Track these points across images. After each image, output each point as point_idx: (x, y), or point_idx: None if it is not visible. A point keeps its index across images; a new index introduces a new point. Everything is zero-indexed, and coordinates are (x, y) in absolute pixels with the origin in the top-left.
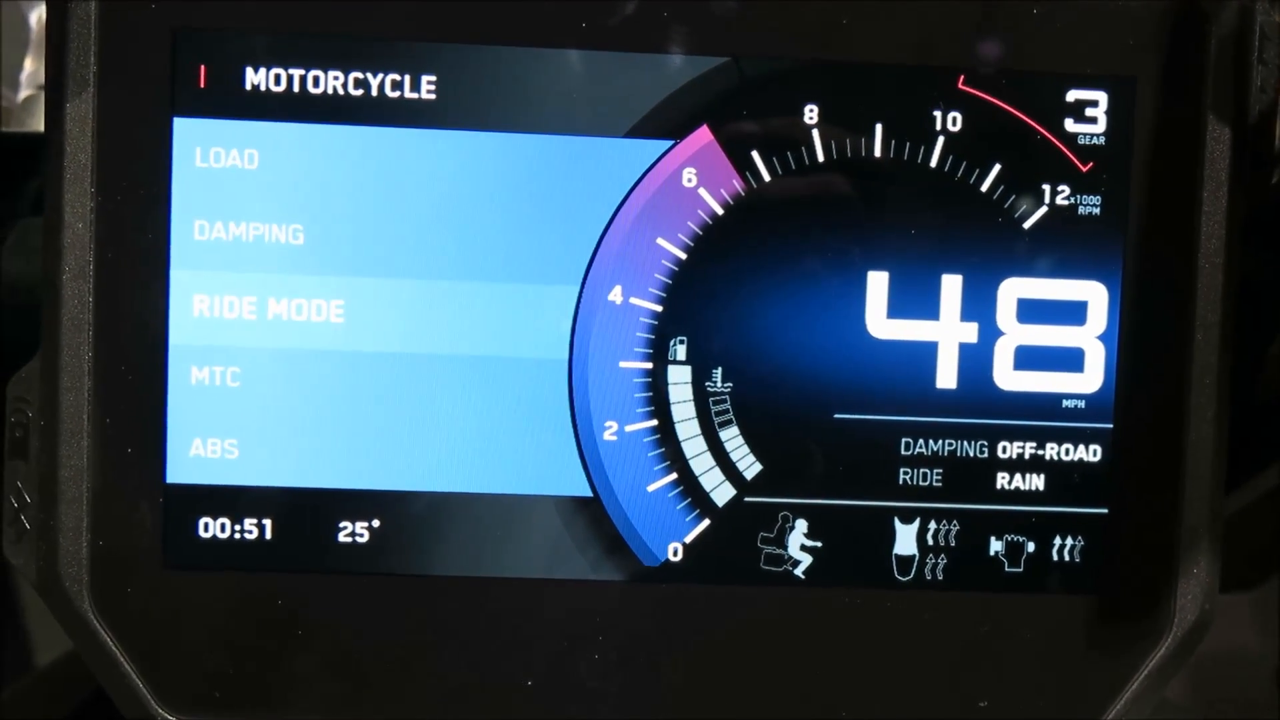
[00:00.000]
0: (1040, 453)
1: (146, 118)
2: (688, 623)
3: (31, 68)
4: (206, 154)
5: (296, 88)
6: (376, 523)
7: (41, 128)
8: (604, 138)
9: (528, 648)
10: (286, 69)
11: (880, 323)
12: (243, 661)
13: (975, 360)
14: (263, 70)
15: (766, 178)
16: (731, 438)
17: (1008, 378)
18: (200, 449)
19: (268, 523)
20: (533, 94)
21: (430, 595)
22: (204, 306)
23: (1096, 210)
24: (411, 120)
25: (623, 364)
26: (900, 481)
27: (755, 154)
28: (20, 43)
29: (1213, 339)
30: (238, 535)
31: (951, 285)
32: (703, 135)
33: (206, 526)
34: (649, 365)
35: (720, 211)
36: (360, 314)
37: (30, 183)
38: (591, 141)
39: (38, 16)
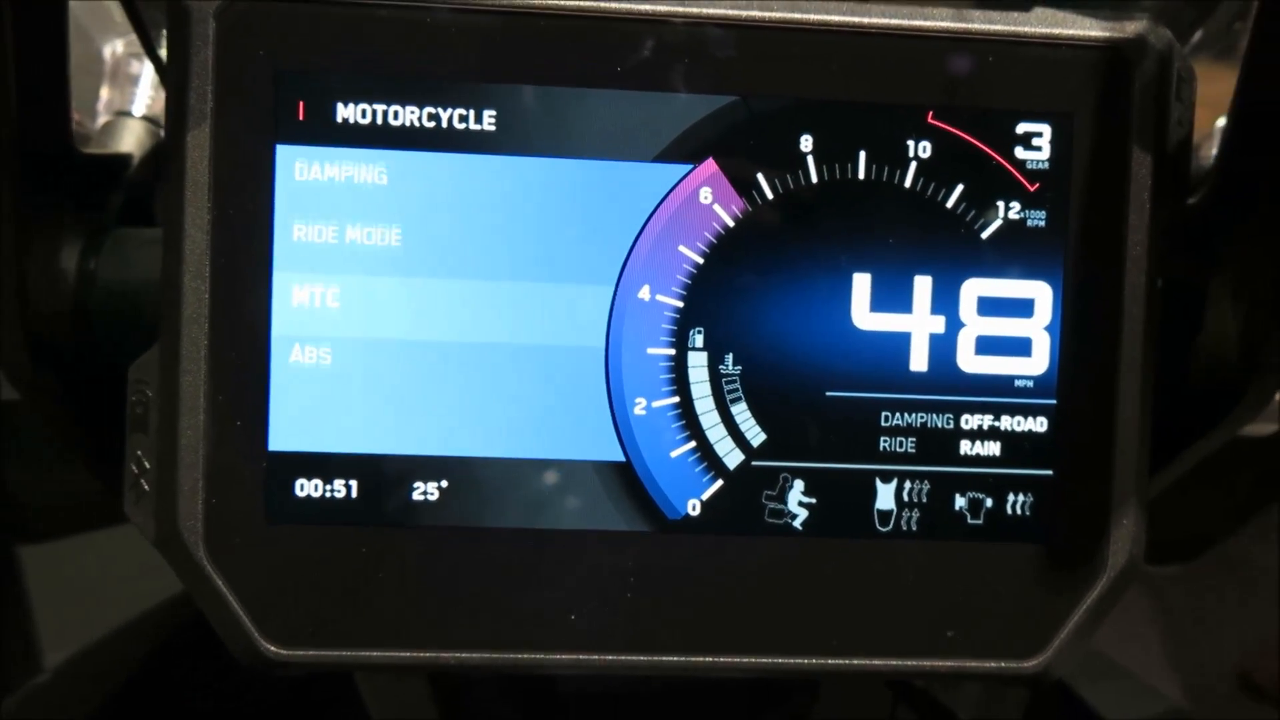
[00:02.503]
0: (996, 424)
1: (254, 145)
2: (704, 566)
3: (107, 96)
4: (304, 172)
5: (379, 120)
6: (445, 483)
7: (119, 149)
8: (634, 162)
9: (571, 588)
10: (371, 104)
11: (864, 316)
12: (333, 601)
13: (942, 347)
14: (351, 105)
15: (770, 196)
16: (740, 412)
17: (969, 362)
18: (297, 420)
19: (354, 483)
20: (575, 126)
21: (490, 544)
22: (301, 299)
23: (1042, 223)
24: (475, 148)
25: (650, 350)
26: (880, 448)
27: (760, 176)
28: (95, 74)
29: (1137, 330)
30: (328, 494)
31: (922, 285)
32: (713, 162)
33: (302, 487)
34: (672, 351)
35: (731, 224)
36: (429, 307)
37: (114, 196)
38: (624, 166)
39: (111, 51)
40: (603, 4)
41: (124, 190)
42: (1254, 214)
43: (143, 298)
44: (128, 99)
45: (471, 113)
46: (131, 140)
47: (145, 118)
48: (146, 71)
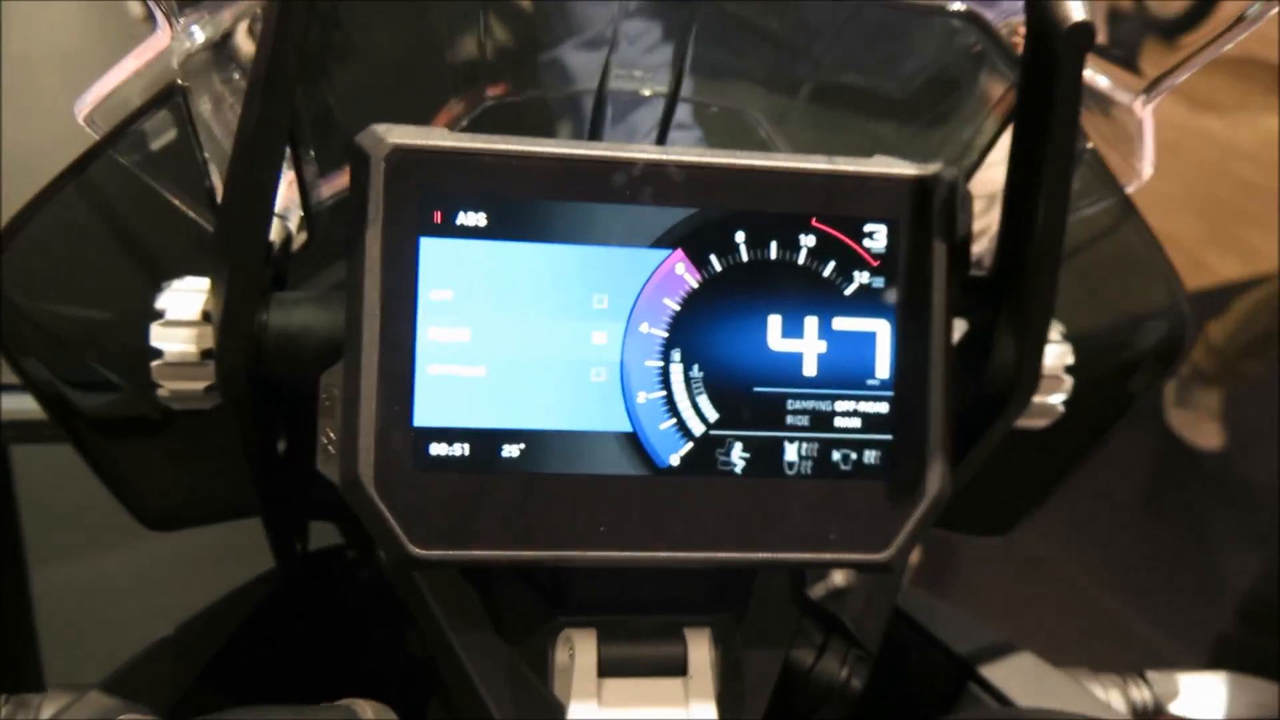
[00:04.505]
0: (857, 407)
1: (406, 238)
2: (681, 496)
3: None
4: (437, 255)
5: (484, 223)
6: (524, 445)
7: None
8: (637, 248)
9: (601, 509)
10: (478, 213)
11: (776, 341)
12: (454, 520)
13: (823, 361)
14: (467, 214)
15: (718, 269)
16: (703, 401)
17: (840, 370)
18: (431, 408)
19: (466, 446)
20: (604, 226)
21: (552, 483)
22: (434, 335)
23: (881, 285)
24: (540, 239)
25: (647, 363)
26: (787, 422)
27: (711, 257)
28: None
29: (940, 351)
30: (451, 453)
31: (810, 323)
32: (681, 250)
33: (434, 448)
34: (661, 363)
35: (695, 286)
36: (511, 342)
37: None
38: (632, 250)
39: None
40: (621, 154)
41: (272, 265)
42: (1016, 283)
43: (299, 342)
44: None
45: (549, 215)
46: (275, 229)
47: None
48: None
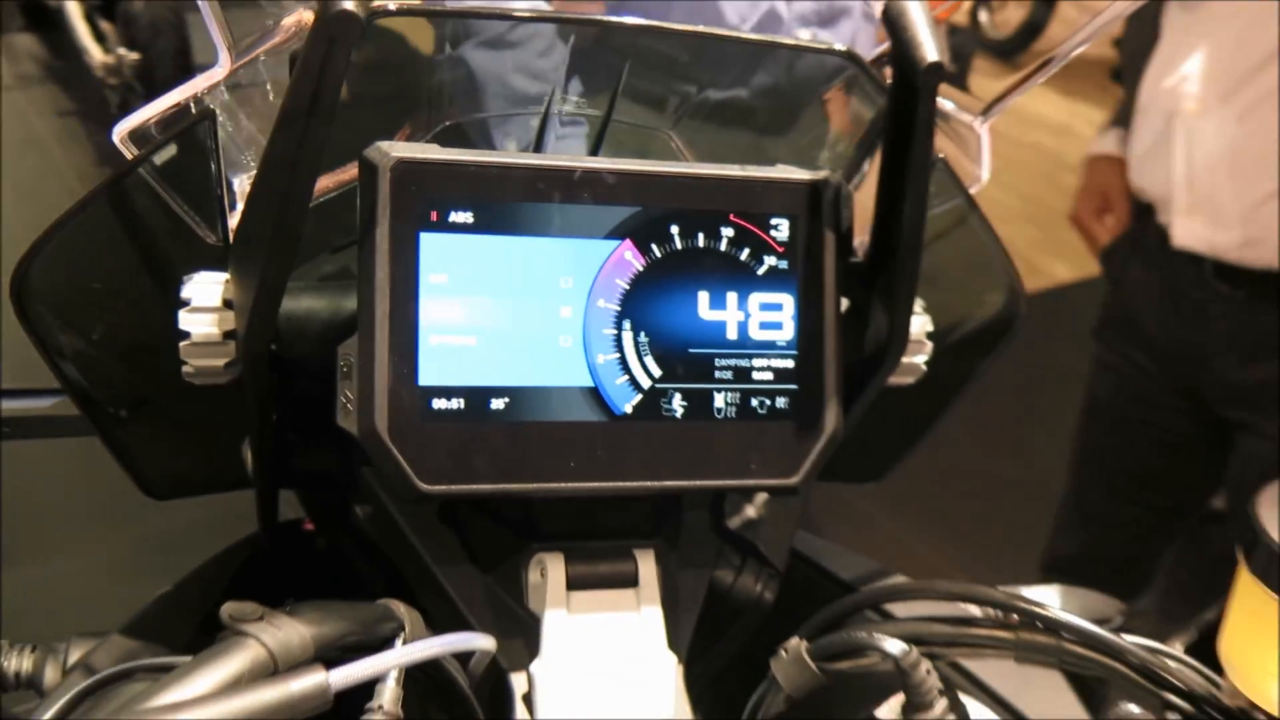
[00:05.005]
0: (770, 363)
1: (409, 233)
2: (632, 437)
3: None
4: (434, 247)
5: (471, 220)
6: (507, 399)
7: None
8: (594, 239)
9: (571, 449)
10: (468, 212)
11: (705, 312)
12: (454, 461)
13: (741, 328)
14: (459, 212)
15: (658, 255)
16: (649, 361)
17: (756, 334)
18: (433, 370)
19: (461, 401)
20: (569, 221)
21: (532, 428)
22: (433, 310)
23: (786, 267)
24: (520, 232)
25: (604, 331)
26: (715, 377)
27: (653, 245)
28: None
29: (832, 318)
30: (450, 406)
31: (732, 297)
32: (630, 240)
33: (436, 403)
34: (615, 331)
35: (640, 269)
36: (495, 316)
37: None
38: (591, 241)
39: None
40: (580, 165)
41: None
42: (887, 267)
43: (305, 324)
44: None
45: (522, 213)
46: None
47: None
48: None
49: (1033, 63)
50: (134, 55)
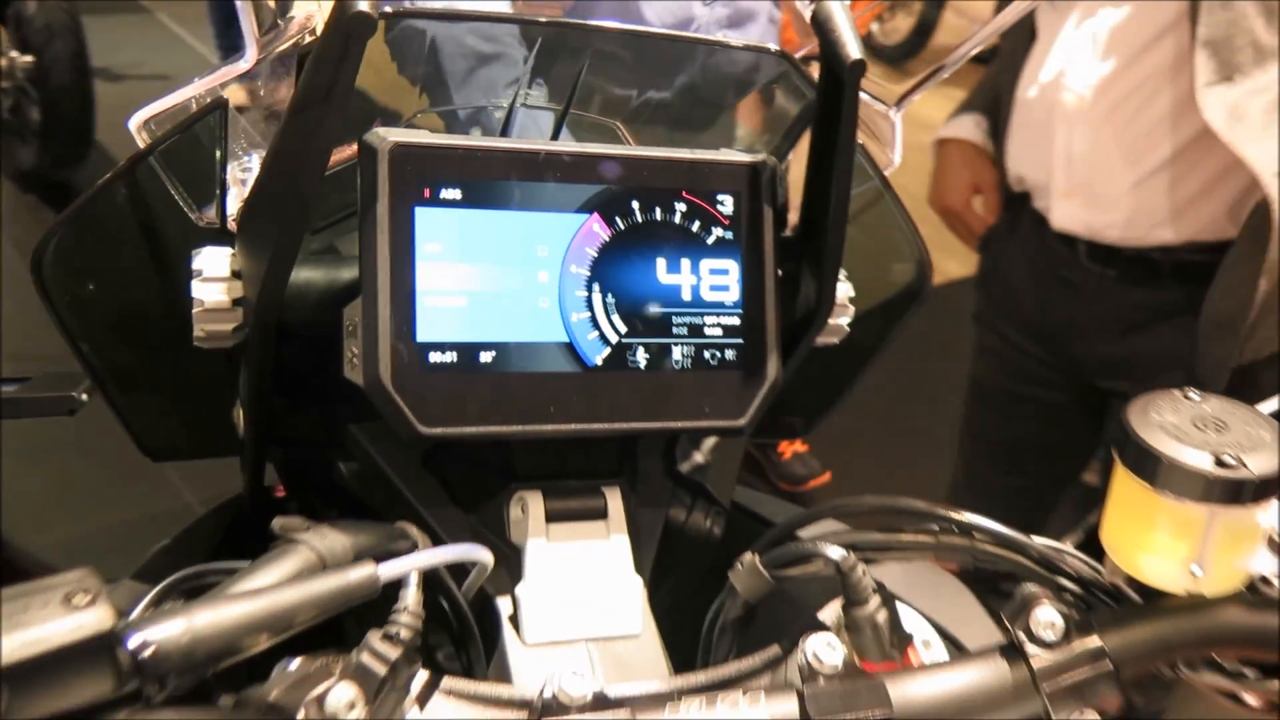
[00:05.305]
0: (719, 320)
1: (405, 208)
2: (601, 385)
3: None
4: (428, 220)
5: (460, 197)
6: (495, 353)
7: None
8: (567, 213)
9: (550, 396)
10: (456, 189)
11: (663, 276)
12: (449, 406)
13: (694, 290)
14: (449, 189)
15: (622, 227)
16: (615, 319)
17: (707, 295)
18: (430, 327)
19: (454, 354)
20: (546, 197)
21: (517, 378)
22: (428, 274)
23: (731, 236)
24: (502, 206)
25: (577, 293)
26: (672, 332)
27: (616, 218)
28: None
29: (771, 281)
30: (444, 359)
31: (685, 263)
32: (597, 214)
33: (432, 356)
34: (586, 293)
35: (606, 239)
36: (479, 280)
37: None
38: (564, 214)
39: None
40: (553, 149)
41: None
42: (817, 239)
43: (305, 293)
44: None
45: (504, 191)
46: None
47: None
48: None
49: (921, 69)
50: (27, 58)
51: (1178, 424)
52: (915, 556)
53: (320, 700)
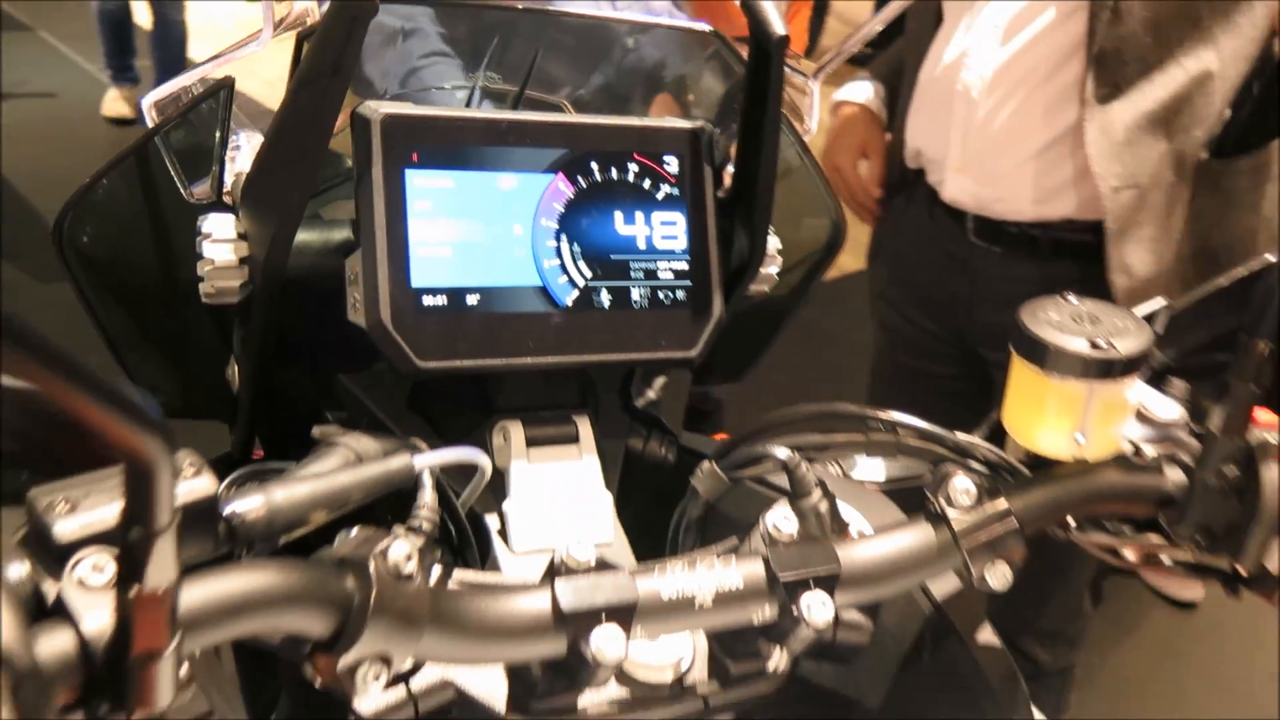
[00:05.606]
0: (670, 265)
1: (396, 171)
2: (571, 322)
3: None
4: (418, 181)
5: (446, 160)
6: (479, 295)
7: None
8: (537, 173)
9: (528, 333)
10: (443, 150)
11: (620, 228)
12: (443, 342)
13: (648, 238)
14: (436, 151)
15: (584, 185)
16: (582, 265)
17: (660, 243)
18: (422, 274)
19: (444, 297)
20: (520, 159)
21: (500, 317)
22: (419, 229)
23: (678, 193)
24: (485, 168)
25: (548, 243)
26: (630, 276)
27: (579, 177)
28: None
29: (713, 233)
30: (436, 302)
31: (639, 216)
32: (562, 173)
33: (425, 299)
34: (556, 243)
35: (571, 195)
36: (466, 234)
37: None
38: (535, 174)
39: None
40: (522, 118)
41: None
42: (748, 198)
43: (302, 251)
44: None
45: (481, 154)
46: None
47: None
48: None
49: (816, 60)
50: None
51: (1060, 319)
52: (850, 451)
53: (384, 553)
